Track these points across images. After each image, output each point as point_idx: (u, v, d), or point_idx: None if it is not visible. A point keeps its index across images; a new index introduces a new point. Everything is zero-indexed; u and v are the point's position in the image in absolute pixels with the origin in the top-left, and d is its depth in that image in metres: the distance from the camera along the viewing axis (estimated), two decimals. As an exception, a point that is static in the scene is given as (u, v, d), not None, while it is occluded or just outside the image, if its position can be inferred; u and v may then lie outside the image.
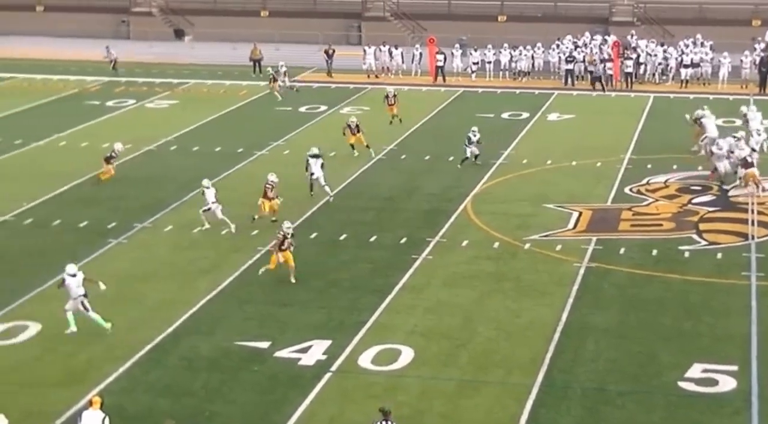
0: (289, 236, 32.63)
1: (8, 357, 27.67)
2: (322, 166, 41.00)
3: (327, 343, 28.29)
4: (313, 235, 36.94)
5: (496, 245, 35.92)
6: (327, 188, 40.85)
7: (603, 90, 61.48)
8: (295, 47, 76.12)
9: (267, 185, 37.77)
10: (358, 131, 46.57)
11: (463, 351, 27.93)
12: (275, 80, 61.31)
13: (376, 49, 67.28)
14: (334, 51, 67.31)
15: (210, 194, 37.53)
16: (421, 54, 67.04)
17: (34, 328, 29.34)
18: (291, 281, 32.42)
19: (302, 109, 57.08)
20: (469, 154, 45.04)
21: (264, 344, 28.26)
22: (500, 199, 41.04)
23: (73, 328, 28.96)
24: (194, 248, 35.82)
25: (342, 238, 36.67)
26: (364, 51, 67.48)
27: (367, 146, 46.47)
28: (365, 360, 27.36)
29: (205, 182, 37.92)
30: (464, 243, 36.06)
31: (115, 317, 30.02)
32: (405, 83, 64.44)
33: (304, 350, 27.89)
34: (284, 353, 27.78)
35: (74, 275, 29.02)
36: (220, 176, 43.47)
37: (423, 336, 28.79)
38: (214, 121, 54.79)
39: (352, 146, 46.53)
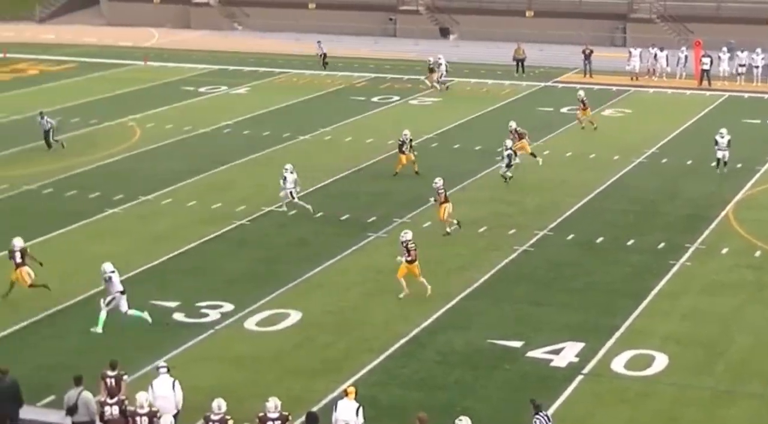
0: (406, 245, 31.36)
1: (270, 344, 28.61)
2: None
3: (580, 345, 28.20)
4: (570, 236, 36.84)
5: (758, 253, 35.07)
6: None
7: None
8: (559, 48, 75.88)
9: (438, 191, 37.29)
10: (521, 138, 45.36)
11: (720, 360, 27.42)
12: (433, 71, 62.33)
13: (643, 50, 66.39)
14: (591, 52, 66.68)
15: (290, 179, 38.57)
16: (686, 57, 65.78)
17: (295, 316, 30.24)
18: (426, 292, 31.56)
19: (563, 109, 56.79)
20: (720, 156, 44.01)
21: (517, 343, 28.38)
22: (764, 207, 40.04)
23: (99, 329, 28.94)
24: (451, 245, 36.19)
25: (599, 240, 36.44)
26: (630, 53, 66.65)
27: (533, 154, 45.20)
28: (618, 365, 27.17)
29: (288, 167, 38.90)
30: (724, 250, 35.34)
31: (372, 309, 30.76)
32: (669, 86, 63.46)
33: (557, 352, 27.87)
34: (537, 353, 27.83)
35: (114, 272, 29.42)
36: (479, 175, 43.79)
37: (678, 343, 28.38)
38: (475, 120, 55.15)
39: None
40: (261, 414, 21.50)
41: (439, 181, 37.20)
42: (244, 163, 46.74)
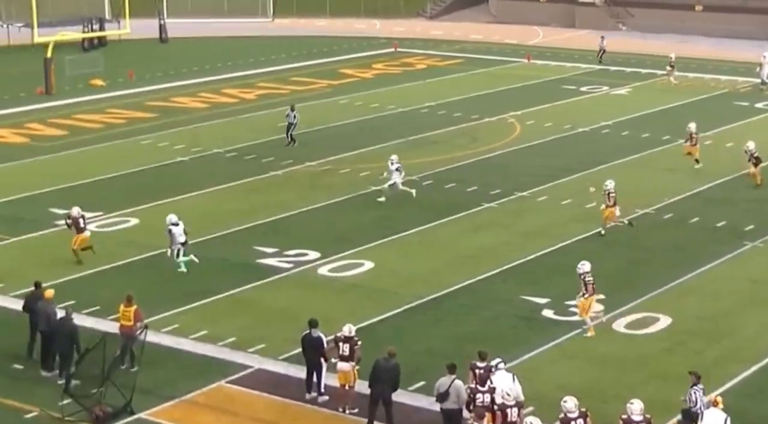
0: (584, 278, 29.04)
1: (638, 347, 28.53)
2: None
3: None
4: None
5: None
6: None
7: None
8: None
9: (609, 194, 36.81)
10: (695, 143, 45.73)
11: None
12: (672, 67, 64.84)
13: None
14: None
15: (398, 173, 40.44)
16: None
17: (664, 321, 29.99)
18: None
19: None
20: None
21: None
22: None
23: (183, 268, 32.93)
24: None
25: None
26: None
27: (695, 158, 45.50)
28: None
29: (394, 157, 40.86)
30: None
31: (746, 319, 30.21)
32: None
33: None
34: None
35: (177, 224, 32.75)
36: None
37: None
38: None
39: (697, 160, 45.49)
40: (624, 416, 21.36)
41: (609, 184, 36.89)
42: (622, 164, 46.60)
